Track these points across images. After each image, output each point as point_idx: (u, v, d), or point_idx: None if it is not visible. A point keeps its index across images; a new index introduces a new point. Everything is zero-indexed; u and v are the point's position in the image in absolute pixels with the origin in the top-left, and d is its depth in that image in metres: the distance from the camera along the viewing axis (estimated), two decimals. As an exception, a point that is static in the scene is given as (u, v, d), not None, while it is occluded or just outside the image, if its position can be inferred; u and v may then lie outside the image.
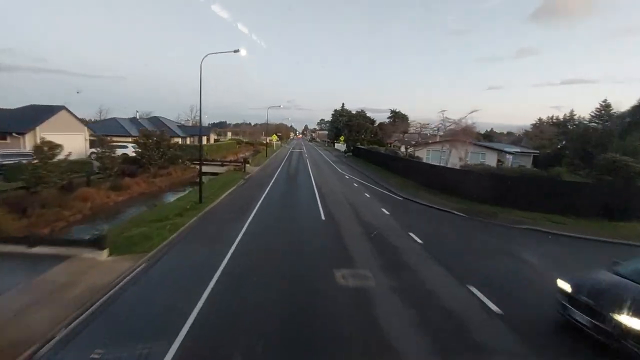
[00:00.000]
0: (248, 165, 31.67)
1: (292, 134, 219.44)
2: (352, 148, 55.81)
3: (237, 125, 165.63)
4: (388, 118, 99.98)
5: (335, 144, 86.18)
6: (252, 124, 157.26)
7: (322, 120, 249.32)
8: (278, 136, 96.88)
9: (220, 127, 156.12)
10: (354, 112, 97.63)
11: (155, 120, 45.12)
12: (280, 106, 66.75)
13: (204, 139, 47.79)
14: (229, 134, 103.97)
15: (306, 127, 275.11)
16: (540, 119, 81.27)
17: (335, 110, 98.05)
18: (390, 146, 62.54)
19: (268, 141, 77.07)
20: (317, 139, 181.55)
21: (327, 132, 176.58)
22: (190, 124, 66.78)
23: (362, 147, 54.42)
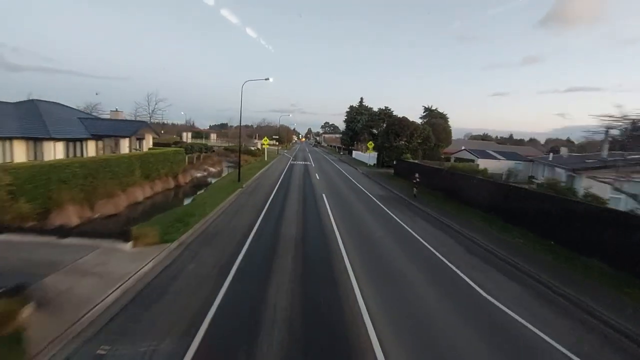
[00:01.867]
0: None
1: (295, 137, 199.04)
2: (393, 163, 33.25)
3: (237, 127, 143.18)
4: (420, 118, 77.12)
5: (354, 151, 63.17)
6: (255, 125, 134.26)
7: (326, 123, 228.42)
8: (276, 140, 74.28)
9: (221, 128, 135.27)
10: (375, 109, 74.96)
11: (29, 108, 22.42)
12: (268, 79, 27.38)
13: (124, 142, 25.00)
14: (213, 136, 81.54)
15: (310, 131, 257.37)
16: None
17: (351, 107, 75.19)
18: (451, 160, 39.65)
19: (260, 147, 54.33)
20: (324, 144, 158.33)
21: (338, 135, 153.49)
22: (144, 119, 44.34)
23: (430, 165, 31.41)
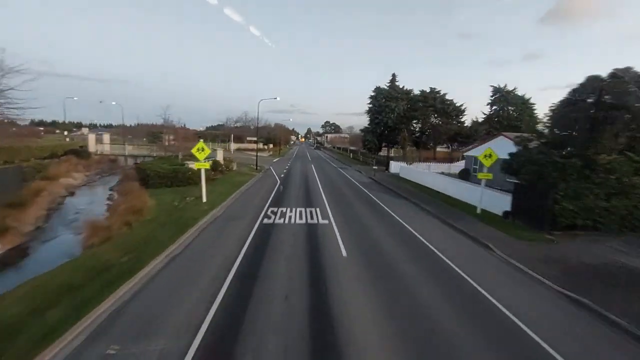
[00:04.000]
0: None
1: (294, 138, 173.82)
2: None
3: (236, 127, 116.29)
4: (489, 104, 50.48)
5: (392, 163, 36.35)
6: (252, 126, 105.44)
7: (327, 122, 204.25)
8: (265, 144, 47.55)
9: (217, 129, 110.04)
10: (416, 91, 48.29)
11: None
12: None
13: None
14: (168, 138, 54.74)
15: (309, 131, 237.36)
16: None
17: (378, 90, 48.22)
18: None
19: (224, 158, 28.07)
20: (327, 144, 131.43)
21: (344, 135, 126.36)
22: None
23: None
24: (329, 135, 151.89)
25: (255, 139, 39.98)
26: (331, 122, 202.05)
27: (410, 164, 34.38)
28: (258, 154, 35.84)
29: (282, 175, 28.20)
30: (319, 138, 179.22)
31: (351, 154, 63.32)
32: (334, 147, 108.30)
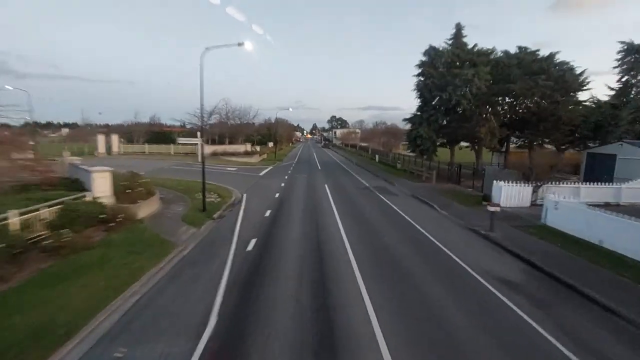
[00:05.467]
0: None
1: (299, 134, 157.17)
2: None
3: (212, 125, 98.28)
4: (621, 72, 31.09)
5: (503, 186, 17.66)
6: (256, 122, 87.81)
7: (333, 117, 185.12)
8: (257, 142, 28.56)
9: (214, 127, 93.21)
10: (499, 52, 29.26)
11: None
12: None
13: None
14: (115, 137, 37.17)
15: (315, 126, 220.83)
16: None
17: (433, 52, 28.57)
18: None
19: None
20: (336, 141, 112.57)
21: (353, 131, 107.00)
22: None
23: None
24: (338, 131, 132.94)
25: (193, 141, 22.30)
26: (337, 117, 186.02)
27: (535, 184, 16.06)
28: (244, 160, 18.20)
29: (254, 242, 10.02)
30: (325, 134, 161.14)
31: (376, 157, 44.85)
32: (345, 145, 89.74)
